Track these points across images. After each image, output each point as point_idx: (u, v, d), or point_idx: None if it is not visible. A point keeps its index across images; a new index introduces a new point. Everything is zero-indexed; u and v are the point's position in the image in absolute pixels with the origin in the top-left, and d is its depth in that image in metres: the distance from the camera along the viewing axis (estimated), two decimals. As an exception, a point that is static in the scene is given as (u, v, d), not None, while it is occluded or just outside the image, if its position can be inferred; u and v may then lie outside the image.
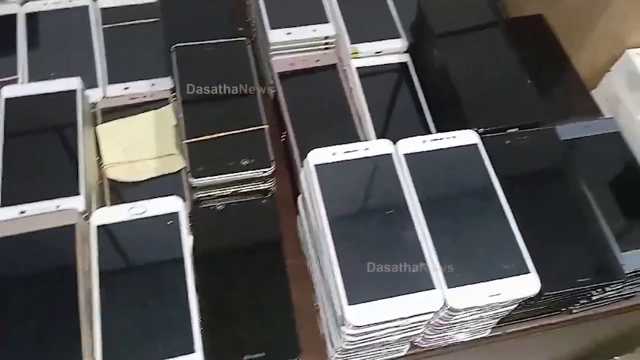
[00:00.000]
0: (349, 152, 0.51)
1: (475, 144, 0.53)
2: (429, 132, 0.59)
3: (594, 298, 0.55)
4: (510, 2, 0.74)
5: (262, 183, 0.54)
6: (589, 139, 0.57)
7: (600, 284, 0.48)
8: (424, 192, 0.50)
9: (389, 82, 0.62)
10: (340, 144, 0.52)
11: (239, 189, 0.54)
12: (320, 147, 0.52)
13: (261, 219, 0.54)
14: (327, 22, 0.63)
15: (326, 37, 0.63)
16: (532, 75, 0.59)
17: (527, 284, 0.47)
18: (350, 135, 0.59)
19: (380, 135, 0.58)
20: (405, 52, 0.64)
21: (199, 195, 0.54)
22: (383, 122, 0.59)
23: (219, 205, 0.53)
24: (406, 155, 0.52)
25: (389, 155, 0.51)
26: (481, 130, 0.54)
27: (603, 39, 0.61)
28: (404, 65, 0.63)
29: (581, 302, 0.56)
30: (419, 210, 0.49)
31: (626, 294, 0.57)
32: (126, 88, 0.62)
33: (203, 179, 0.52)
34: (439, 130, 0.59)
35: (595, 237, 0.50)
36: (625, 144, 0.57)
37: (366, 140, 0.59)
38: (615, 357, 1.20)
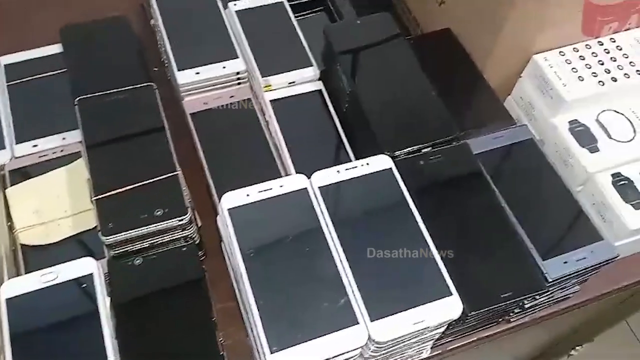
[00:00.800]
0: (263, 191, 0.50)
1: (390, 169, 0.53)
2: (349, 160, 0.59)
3: (527, 306, 0.55)
4: (421, 18, 0.74)
5: (181, 231, 0.53)
6: (503, 149, 0.57)
7: (523, 297, 0.48)
8: (341, 225, 0.49)
9: (305, 112, 0.62)
10: (261, 180, 0.52)
11: (156, 240, 0.52)
12: (240, 186, 0.51)
13: (183, 267, 0.52)
14: (236, 58, 0.63)
15: (237, 73, 0.62)
16: (443, 91, 0.59)
17: (450, 307, 0.46)
18: (270, 170, 0.58)
19: (299, 168, 0.57)
20: (319, 79, 0.64)
21: (116, 252, 0.52)
22: (302, 154, 0.58)
23: (137, 259, 0.51)
24: (321, 188, 0.51)
25: (305, 190, 0.51)
26: (395, 153, 0.54)
27: (510, 46, 0.62)
28: (318, 93, 0.63)
29: (515, 311, 0.56)
30: (337, 243, 0.48)
31: (559, 297, 0.58)
32: (35, 145, 0.60)
33: (114, 236, 0.50)
34: (358, 157, 0.59)
35: (515, 249, 0.51)
36: (539, 150, 0.58)
37: (287, 174, 0.58)
38: (577, 347, 1.22)
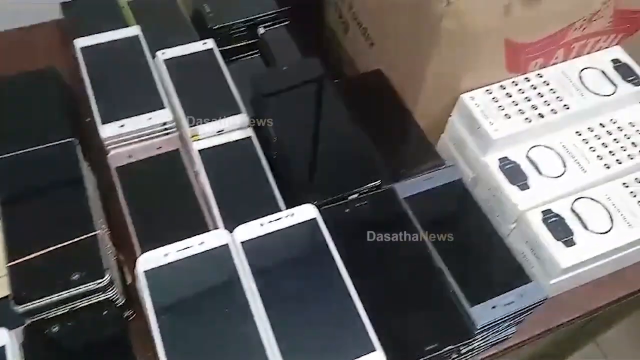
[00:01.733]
0: (182, 249, 0.49)
1: (314, 219, 0.52)
2: (279, 210, 0.58)
3: (463, 351, 0.54)
4: (357, 59, 0.74)
5: (101, 294, 0.51)
6: (432, 192, 0.57)
7: (450, 347, 0.47)
8: (263, 281, 0.48)
9: (235, 162, 0.60)
10: (189, 236, 0.50)
11: (75, 305, 0.50)
12: (166, 244, 0.50)
13: (104, 331, 0.50)
14: (163, 108, 0.62)
15: (164, 124, 0.61)
16: (372, 134, 0.59)
17: (374, 363, 0.45)
18: (197, 225, 0.57)
19: (228, 221, 0.56)
20: (249, 126, 0.63)
21: (33, 320, 0.50)
22: (231, 207, 0.57)
23: (54, 327, 0.49)
24: (244, 243, 0.50)
25: (226, 246, 0.50)
26: (319, 202, 0.53)
27: (437, 86, 0.62)
28: (248, 140, 0.62)
29: (453, 356, 0.55)
30: (258, 301, 0.47)
31: (496, 340, 0.57)
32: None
33: (28, 304, 0.48)
34: (289, 206, 0.58)
35: (443, 297, 0.50)
36: (468, 191, 0.57)
37: (215, 228, 0.57)
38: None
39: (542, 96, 0.63)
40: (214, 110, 0.62)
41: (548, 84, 0.64)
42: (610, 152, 0.62)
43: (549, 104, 0.63)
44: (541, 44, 0.62)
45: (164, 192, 0.59)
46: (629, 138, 0.64)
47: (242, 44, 0.73)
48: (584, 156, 0.62)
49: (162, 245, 0.50)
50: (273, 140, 0.58)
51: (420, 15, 0.56)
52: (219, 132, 0.62)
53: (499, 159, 0.61)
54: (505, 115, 0.61)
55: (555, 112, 0.62)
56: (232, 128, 0.62)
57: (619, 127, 0.65)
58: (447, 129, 0.67)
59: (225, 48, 0.72)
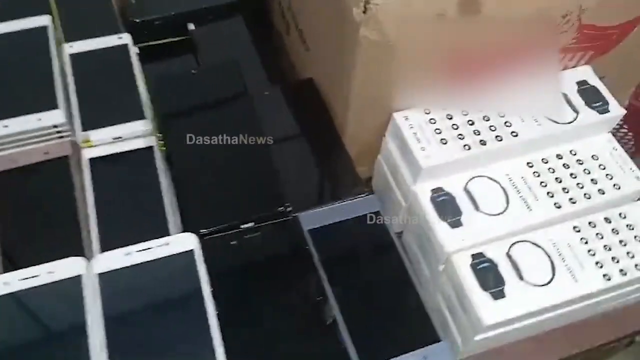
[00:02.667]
0: (26, 279, 0.42)
1: (192, 251, 0.45)
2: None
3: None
4: (296, 63, 0.67)
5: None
6: (342, 225, 0.49)
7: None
8: (113, 323, 0.41)
9: (130, 175, 0.54)
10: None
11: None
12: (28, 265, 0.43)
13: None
14: (55, 108, 0.55)
15: (55, 126, 0.55)
16: (287, 154, 0.51)
17: None
18: (72, 247, 0.50)
19: (106, 244, 0.49)
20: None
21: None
22: (113, 228, 0.49)
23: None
24: (102, 275, 0.43)
25: (78, 278, 0.43)
26: (201, 231, 0.46)
27: (368, 100, 0.54)
28: (149, 151, 0.54)
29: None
30: (103, 348, 0.40)
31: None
32: None
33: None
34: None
35: (331, 355, 0.42)
36: (384, 226, 0.50)
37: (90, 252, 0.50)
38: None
39: (487, 120, 0.55)
40: (114, 114, 0.55)
41: (498, 106, 0.56)
42: (564, 189, 0.54)
43: (494, 129, 0.54)
44: (488, 59, 0.53)
45: (44, 206, 0.52)
46: (588, 174, 0.55)
47: (170, 41, 0.67)
48: (532, 192, 0.53)
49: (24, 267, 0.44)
50: (169, 156, 0.51)
51: (340, 21, 0.48)
52: (115, 139, 0.55)
53: (432, 190, 0.53)
54: (442, 140, 0.53)
55: (500, 140, 0.54)
56: (133, 135, 0.55)
57: (578, 160, 0.56)
58: (382, 149, 0.59)
59: (151, 44, 0.66)
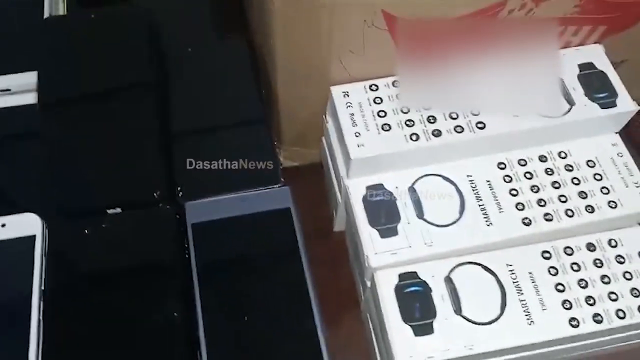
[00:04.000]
0: None
1: (34, 236, 0.36)
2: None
3: None
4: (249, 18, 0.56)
5: None
6: (240, 221, 0.39)
7: None
8: None
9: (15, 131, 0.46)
10: None
11: None
12: None
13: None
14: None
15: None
16: (191, 124, 0.42)
17: None
18: None
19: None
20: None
21: None
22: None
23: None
24: None
25: None
26: (51, 213, 0.37)
27: (298, 68, 0.42)
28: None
29: None
30: None
31: None
32: None
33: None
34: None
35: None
36: (292, 229, 0.39)
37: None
38: None
39: (449, 104, 0.43)
40: (7, 60, 0.47)
41: (467, 88, 0.44)
42: (540, 201, 0.42)
43: (455, 117, 0.42)
44: (451, 25, 0.41)
45: None
46: (577, 184, 0.42)
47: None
48: (497, 201, 0.42)
49: None
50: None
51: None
52: (3, 90, 0.47)
53: (368, 187, 0.42)
54: (384, 126, 0.42)
55: (461, 131, 0.42)
56: (24, 88, 0.47)
57: (567, 166, 0.43)
58: (323, 131, 0.48)
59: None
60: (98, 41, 0.43)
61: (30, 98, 0.46)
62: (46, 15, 0.49)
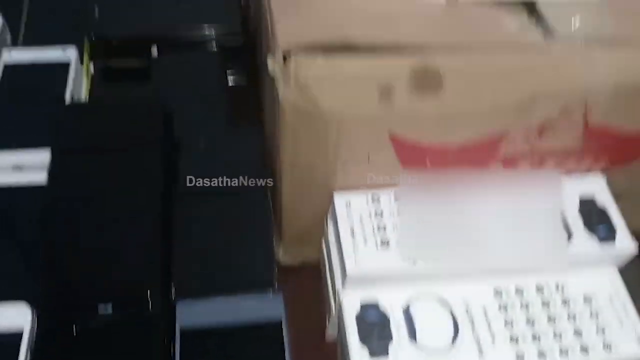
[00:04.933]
0: None
1: (21, 328, 0.36)
2: None
3: None
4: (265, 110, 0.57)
5: None
6: (228, 329, 0.38)
7: None
8: None
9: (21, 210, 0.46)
10: None
11: None
12: None
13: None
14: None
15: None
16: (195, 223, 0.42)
17: None
18: None
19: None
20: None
21: None
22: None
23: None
24: None
25: None
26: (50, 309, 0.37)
27: (302, 171, 0.43)
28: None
29: None
30: None
31: None
32: None
33: None
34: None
35: None
36: (280, 342, 0.39)
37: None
38: None
39: (450, 225, 0.43)
40: (25, 138, 0.48)
41: (469, 209, 0.44)
42: (534, 336, 0.41)
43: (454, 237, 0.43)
44: (454, 150, 0.42)
45: None
46: (573, 320, 0.42)
47: (128, 63, 0.59)
48: (491, 330, 0.41)
49: None
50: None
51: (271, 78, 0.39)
52: (15, 167, 0.48)
53: (362, 305, 0.42)
54: (382, 241, 0.42)
55: (460, 252, 0.42)
56: (33, 165, 0.48)
57: (564, 300, 0.43)
58: (324, 233, 0.48)
59: (111, 64, 0.59)
60: (113, 132, 0.45)
61: (41, 177, 0.47)
62: (68, 93, 0.51)
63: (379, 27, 0.37)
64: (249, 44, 0.61)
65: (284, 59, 0.34)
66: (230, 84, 0.59)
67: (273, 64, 0.34)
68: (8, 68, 0.52)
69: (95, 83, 0.57)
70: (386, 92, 0.35)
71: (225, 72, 0.59)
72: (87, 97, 0.55)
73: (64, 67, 0.53)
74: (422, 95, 0.36)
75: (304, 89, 0.35)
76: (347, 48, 0.34)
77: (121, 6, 0.59)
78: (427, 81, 0.35)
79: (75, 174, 0.43)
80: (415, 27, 0.37)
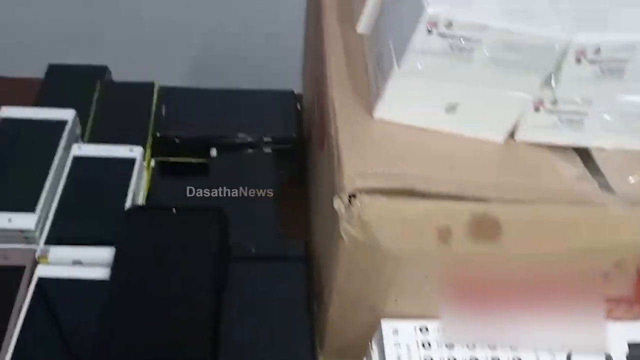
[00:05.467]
0: None
1: None
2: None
3: None
4: (310, 223, 0.59)
5: None
6: None
7: None
8: None
9: (74, 307, 0.48)
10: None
11: None
12: None
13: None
14: (31, 212, 0.51)
15: (22, 231, 0.51)
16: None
17: None
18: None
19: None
20: (118, 265, 0.50)
21: None
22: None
23: None
24: None
25: None
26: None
27: (353, 298, 0.44)
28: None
29: None
30: None
31: None
32: None
33: None
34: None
35: None
36: None
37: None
38: None
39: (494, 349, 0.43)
40: (85, 234, 0.51)
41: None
42: None
43: (504, 374, 0.42)
44: (505, 291, 0.42)
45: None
46: None
47: (189, 160, 0.63)
48: None
49: None
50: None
51: (331, 205, 0.41)
52: (75, 262, 0.50)
53: None
54: (429, 374, 0.42)
55: (508, 390, 0.42)
56: (94, 262, 0.50)
57: None
58: (366, 355, 0.48)
59: (172, 160, 0.62)
60: (174, 238, 0.47)
61: (97, 272, 0.49)
62: (132, 189, 0.54)
63: (440, 170, 0.39)
64: (301, 147, 0.65)
65: (349, 197, 0.36)
66: (282, 182, 0.61)
67: (339, 203, 0.36)
68: (77, 160, 0.56)
69: (155, 176, 0.60)
70: (444, 235, 0.37)
71: (279, 173, 0.62)
72: (147, 190, 0.59)
73: (129, 163, 0.56)
74: (480, 241, 0.37)
75: (365, 226, 0.37)
76: (410, 193, 0.36)
77: (187, 107, 0.63)
78: (485, 228, 0.37)
79: (135, 282, 0.45)
80: (473, 171, 0.39)
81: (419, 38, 0.36)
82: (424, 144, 0.41)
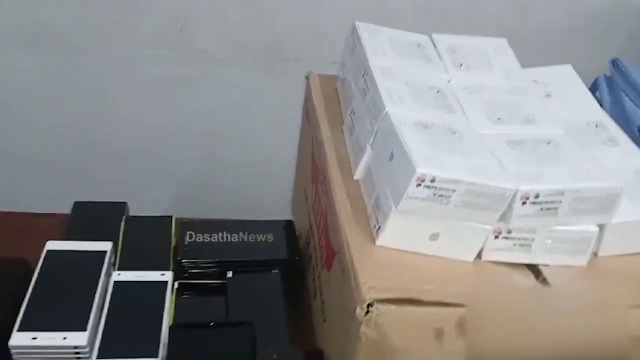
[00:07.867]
0: None
1: None
2: None
3: None
4: (316, 329, 0.70)
5: None
6: None
7: None
8: None
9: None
10: None
11: None
12: None
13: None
14: (83, 330, 0.60)
15: (75, 347, 0.59)
16: None
17: None
18: None
19: None
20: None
21: None
22: None
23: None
24: None
25: None
26: None
27: None
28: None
29: None
30: None
31: None
32: None
33: None
34: None
35: None
36: None
37: None
38: None
39: None
40: (131, 349, 0.59)
41: None
42: None
43: None
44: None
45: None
46: None
47: (208, 282, 0.73)
48: None
49: None
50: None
51: (349, 312, 0.52)
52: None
53: None
54: None
55: None
56: (136, 377, 0.58)
57: None
58: None
59: (193, 282, 0.72)
60: (213, 346, 0.57)
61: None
62: (167, 308, 0.63)
63: (429, 284, 0.51)
64: (300, 267, 0.77)
65: (368, 306, 0.48)
66: (287, 297, 0.72)
67: (361, 311, 0.48)
68: (117, 284, 0.65)
69: (178, 296, 0.70)
70: (439, 335, 0.49)
71: (285, 290, 0.73)
72: (173, 306, 0.68)
73: (162, 285, 0.66)
74: (463, 338, 0.49)
75: (380, 328, 0.49)
76: (412, 301, 0.48)
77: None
78: (466, 327, 0.49)
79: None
80: (453, 284, 0.52)
81: (411, 189, 0.51)
82: (416, 264, 0.54)
